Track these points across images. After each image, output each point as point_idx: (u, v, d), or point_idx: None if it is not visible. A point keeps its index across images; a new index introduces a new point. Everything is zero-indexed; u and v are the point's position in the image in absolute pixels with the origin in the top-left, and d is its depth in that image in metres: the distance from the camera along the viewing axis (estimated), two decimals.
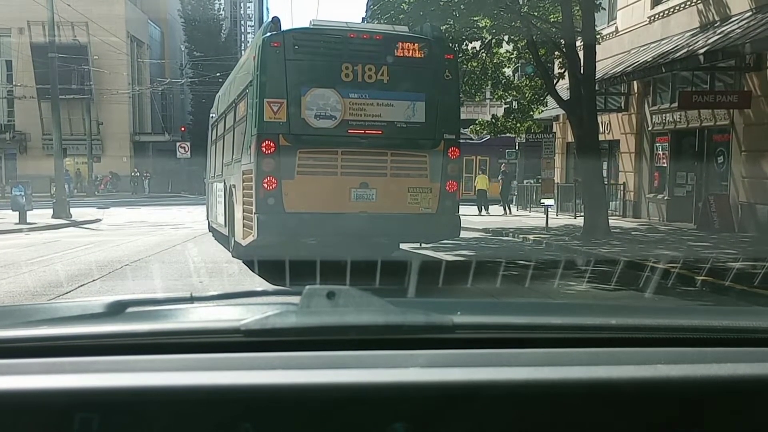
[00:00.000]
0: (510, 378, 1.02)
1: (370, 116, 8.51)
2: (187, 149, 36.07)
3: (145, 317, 1.37)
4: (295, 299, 1.23)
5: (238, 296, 1.56)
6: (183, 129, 41.16)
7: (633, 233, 13.72)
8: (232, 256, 9.79)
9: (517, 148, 27.91)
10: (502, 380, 1.01)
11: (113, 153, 40.42)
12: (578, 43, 13.42)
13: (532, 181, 24.60)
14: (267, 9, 76.28)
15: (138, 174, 40.48)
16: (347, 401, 0.98)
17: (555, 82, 15.49)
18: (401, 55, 8.55)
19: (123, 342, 1.13)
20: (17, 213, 17.28)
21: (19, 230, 15.79)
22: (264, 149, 8.21)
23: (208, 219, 14.79)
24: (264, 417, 0.97)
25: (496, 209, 21.87)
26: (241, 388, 0.97)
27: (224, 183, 11.33)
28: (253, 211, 8.36)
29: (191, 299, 1.46)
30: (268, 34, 8.42)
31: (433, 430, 0.99)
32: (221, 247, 11.23)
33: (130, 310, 1.37)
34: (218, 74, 28.85)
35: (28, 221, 17.02)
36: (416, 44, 8.68)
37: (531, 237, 13.41)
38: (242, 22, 67.90)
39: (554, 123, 22.87)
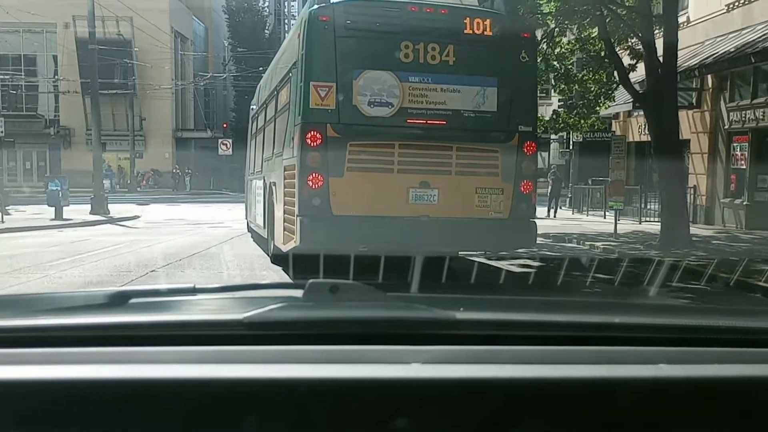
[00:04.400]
0: (511, 376, 1.01)
1: (433, 104, 7.45)
2: (228, 146, 36.16)
3: (148, 308, 1.35)
4: (298, 293, 1.25)
5: (241, 289, 1.56)
6: (225, 126, 41.31)
7: (714, 242, 12.46)
8: (271, 262, 8.91)
9: (570, 147, 26.58)
10: (503, 378, 1.01)
11: (155, 149, 40.65)
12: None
13: (589, 182, 23.17)
14: None
15: (179, 171, 40.44)
16: (349, 396, 0.97)
17: (627, 74, 14.14)
18: (470, 32, 7.47)
19: (125, 333, 1.14)
20: (53, 209, 17.12)
21: (53, 227, 15.61)
22: (309, 141, 7.22)
23: (246, 218, 13.97)
24: (266, 410, 0.96)
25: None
26: (244, 381, 0.97)
27: (264, 180, 10.40)
28: (296, 212, 7.35)
29: (194, 291, 1.44)
30: (316, 6, 7.37)
31: (435, 426, 0.97)
32: (260, 252, 10.40)
33: (133, 301, 1.36)
34: (260, 68, 28.31)
35: (64, 217, 16.92)
36: (488, 20, 7.59)
37: (598, 244, 12.29)
38: (286, 21, 68.57)
39: (614, 121, 21.62)
